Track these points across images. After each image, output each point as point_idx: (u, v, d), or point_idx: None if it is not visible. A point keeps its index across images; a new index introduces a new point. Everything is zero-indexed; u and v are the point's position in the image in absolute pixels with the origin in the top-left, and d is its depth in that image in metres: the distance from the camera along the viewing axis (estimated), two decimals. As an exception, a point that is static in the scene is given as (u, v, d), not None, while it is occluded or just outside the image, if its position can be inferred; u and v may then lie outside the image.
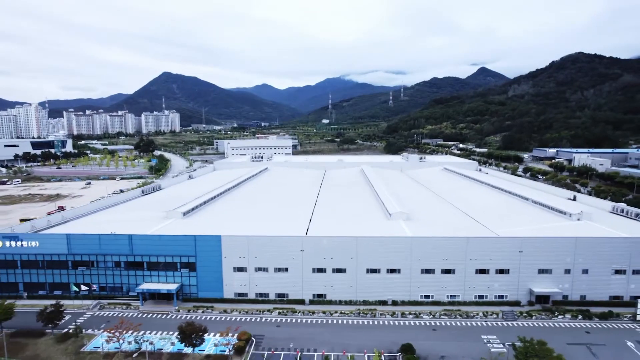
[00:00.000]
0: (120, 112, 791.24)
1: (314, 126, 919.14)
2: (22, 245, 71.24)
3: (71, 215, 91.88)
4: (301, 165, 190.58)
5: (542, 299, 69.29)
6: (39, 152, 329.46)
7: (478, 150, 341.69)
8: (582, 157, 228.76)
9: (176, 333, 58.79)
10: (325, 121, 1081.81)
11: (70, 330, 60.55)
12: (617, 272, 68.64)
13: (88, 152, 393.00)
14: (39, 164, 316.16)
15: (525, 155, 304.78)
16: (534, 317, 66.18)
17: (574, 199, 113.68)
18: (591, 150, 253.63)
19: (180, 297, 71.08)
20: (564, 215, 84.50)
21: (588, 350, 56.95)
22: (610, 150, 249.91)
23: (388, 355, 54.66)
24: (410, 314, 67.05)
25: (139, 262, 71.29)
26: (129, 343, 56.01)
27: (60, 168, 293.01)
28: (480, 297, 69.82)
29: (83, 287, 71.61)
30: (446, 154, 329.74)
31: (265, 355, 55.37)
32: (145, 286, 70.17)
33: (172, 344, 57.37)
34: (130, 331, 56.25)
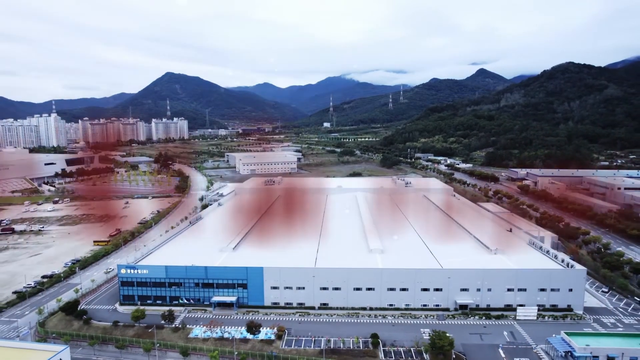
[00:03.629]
0: (132, 120, 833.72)
1: (316, 131, 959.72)
2: (137, 272, 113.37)
3: (152, 247, 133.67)
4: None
5: (463, 307, 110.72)
6: (73, 168, 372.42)
7: (463, 166, 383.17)
8: (545, 181, 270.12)
9: (242, 327, 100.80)
10: (326, 125, 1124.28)
11: (179, 325, 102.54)
12: (509, 289, 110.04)
13: (111, 165, 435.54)
14: (74, 179, 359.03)
15: (503, 173, 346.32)
16: (455, 318, 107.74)
17: (510, 230, 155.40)
18: (554, 172, 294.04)
19: (237, 305, 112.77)
20: (488, 249, 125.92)
21: (479, 337, 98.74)
22: (570, 173, 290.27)
23: (363, 340, 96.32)
24: (380, 315, 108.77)
25: (211, 283, 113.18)
26: (216, 333, 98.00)
27: (96, 185, 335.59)
28: (424, 305, 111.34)
29: (184, 300, 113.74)
30: (434, 170, 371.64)
31: (294, 339, 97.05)
32: (216, 298, 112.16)
33: (241, 333, 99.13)
34: (217, 326, 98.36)
